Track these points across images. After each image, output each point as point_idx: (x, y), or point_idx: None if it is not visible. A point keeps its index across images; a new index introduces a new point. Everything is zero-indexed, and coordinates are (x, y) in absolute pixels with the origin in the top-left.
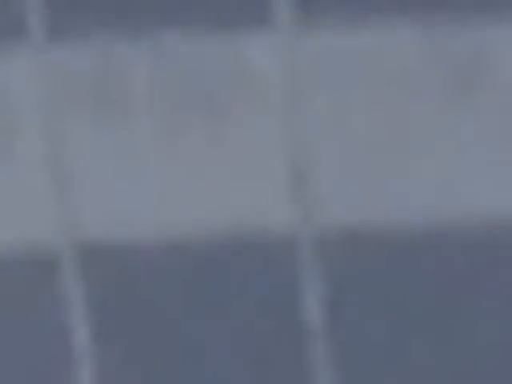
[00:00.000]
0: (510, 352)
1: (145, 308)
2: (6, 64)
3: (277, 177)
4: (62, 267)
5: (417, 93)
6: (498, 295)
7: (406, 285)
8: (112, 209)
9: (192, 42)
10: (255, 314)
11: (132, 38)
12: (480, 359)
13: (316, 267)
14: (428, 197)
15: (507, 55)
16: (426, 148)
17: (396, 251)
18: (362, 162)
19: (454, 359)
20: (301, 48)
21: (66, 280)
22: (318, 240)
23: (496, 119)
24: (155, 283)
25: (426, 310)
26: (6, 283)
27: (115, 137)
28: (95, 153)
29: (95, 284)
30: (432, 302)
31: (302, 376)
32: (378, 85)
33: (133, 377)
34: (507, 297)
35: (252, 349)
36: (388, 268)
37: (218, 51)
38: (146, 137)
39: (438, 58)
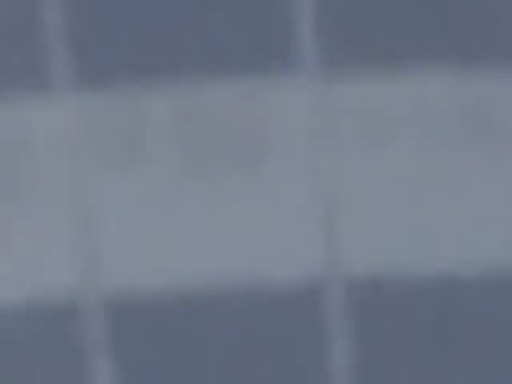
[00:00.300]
0: None
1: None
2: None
3: (306, 225)
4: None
5: (449, 142)
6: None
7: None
8: (133, 256)
9: (220, 88)
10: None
11: (155, 87)
12: None
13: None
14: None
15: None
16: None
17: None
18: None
19: None
20: (330, 95)
21: (84, 326)
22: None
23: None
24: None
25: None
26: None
27: (137, 182)
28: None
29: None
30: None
31: None
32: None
33: None
34: None
35: None
36: (411, 313)
37: (247, 95)
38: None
39: (462, 106)
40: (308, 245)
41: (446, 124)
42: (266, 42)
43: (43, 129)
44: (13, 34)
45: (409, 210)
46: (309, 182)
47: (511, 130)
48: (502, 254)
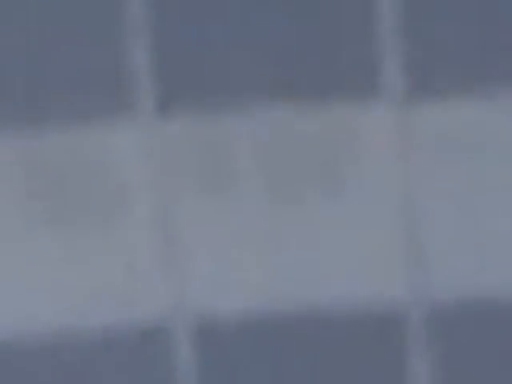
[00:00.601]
0: None
1: None
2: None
3: (393, 247)
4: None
5: None
6: None
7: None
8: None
9: (299, 113)
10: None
11: (239, 111)
12: None
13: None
14: None
15: None
16: None
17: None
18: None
19: None
20: (412, 119)
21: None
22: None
23: None
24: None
25: None
26: None
27: (224, 205)
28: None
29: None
30: None
31: None
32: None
33: None
34: None
35: None
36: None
37: (326, 121)
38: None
39: None
40: (392, 270)
41: None
42: (355, 74)
43: (128, 152)
44: (100, 59)
45: (495, 234)
46: (391, 205)
47: None
48: None
